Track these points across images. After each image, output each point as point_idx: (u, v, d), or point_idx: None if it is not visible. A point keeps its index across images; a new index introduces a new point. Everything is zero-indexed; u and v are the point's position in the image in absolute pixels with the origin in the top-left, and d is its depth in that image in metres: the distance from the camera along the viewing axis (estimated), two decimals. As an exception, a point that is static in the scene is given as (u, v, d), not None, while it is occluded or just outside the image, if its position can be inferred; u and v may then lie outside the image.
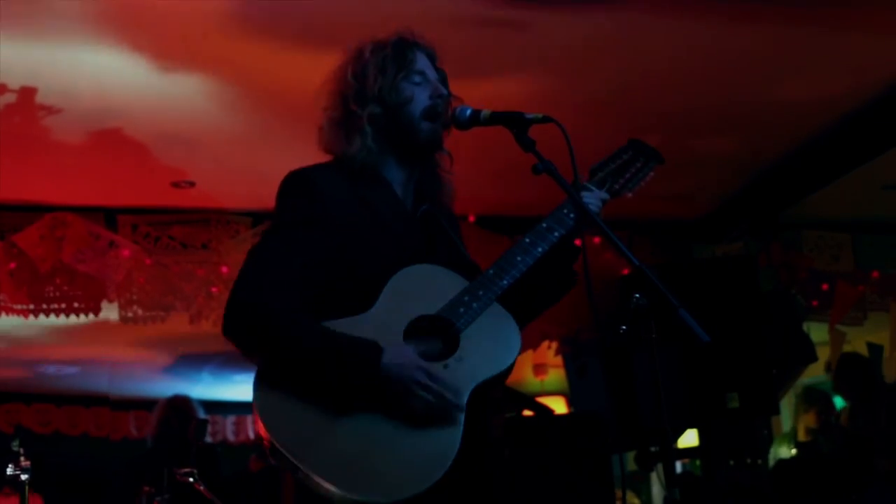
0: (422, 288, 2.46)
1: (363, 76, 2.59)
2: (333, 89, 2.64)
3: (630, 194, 2.79)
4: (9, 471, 4.11)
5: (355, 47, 2.65)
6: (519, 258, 2.50)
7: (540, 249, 2.52)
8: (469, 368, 2.36)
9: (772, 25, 4.60)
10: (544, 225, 2.56)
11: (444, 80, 2.68)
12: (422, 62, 2.64)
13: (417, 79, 2.60)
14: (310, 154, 2.61)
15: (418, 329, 2.40)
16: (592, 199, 2.66)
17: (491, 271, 2.48)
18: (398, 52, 2.61)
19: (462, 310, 2.41)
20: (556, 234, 2.55)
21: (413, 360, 2.30)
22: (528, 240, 2.54)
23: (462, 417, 2.29)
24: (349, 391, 2.27)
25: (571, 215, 2.58)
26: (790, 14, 4.50)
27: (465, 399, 2.31)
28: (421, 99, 2.58)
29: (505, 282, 2.46)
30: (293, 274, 2.38)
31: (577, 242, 2.64)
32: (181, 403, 6.14)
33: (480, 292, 2.44)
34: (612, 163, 2.79)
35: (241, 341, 2.38)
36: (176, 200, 6.12)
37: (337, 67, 2.66)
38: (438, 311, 2.42)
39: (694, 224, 7.07)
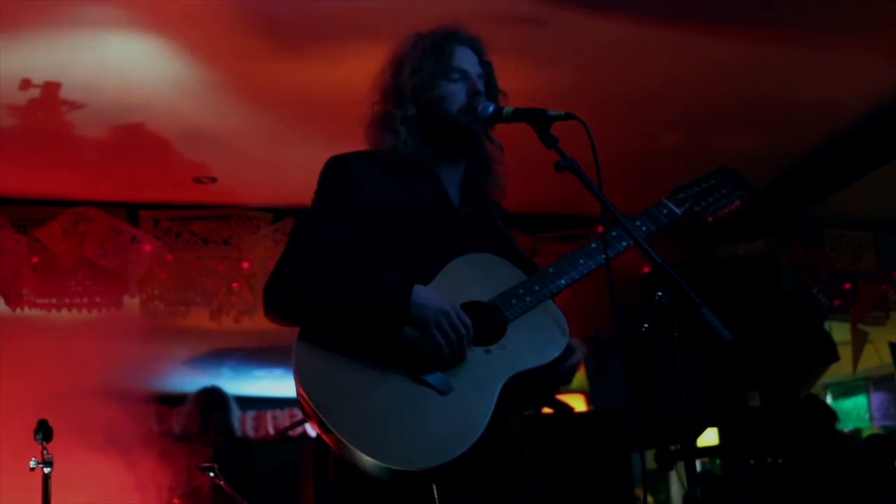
0: (478, 275, 2.51)
1: (399, 74, 2.62)
2: (378, 86, 2.67)
3: (711, 219, 2.83)
4: (31, 464, 4.13)
5: (400, 42, 2.68)
6: (582, 261, 2.56)
7: (603, 256, 2.55)
8: (510, 357, 2.41)
9: (793, 26, 4.58)
10: (614, 234, 2.59)
11: (489, 74, 2.70)
12: (462, 57, 2.64)
13: (455, 76, 2.62)
14: (331, 151, 2.62)
15: (468, 313, 2.41)
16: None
17: (551, 269, 2.54)
18: (436, 48, 2.63)
19: (514, 301, 2.46)
20: (625, 243, 2.57)
21: (441, 302, 2.34)
22: (594, 245, 2.58)
23: (494, 400, 2.32)
24: (377, 325, 2.31)
25: (644, 227, 2.63)
26: (811, 18, 4.49)
27: (500, 384, 2.35)
28: (458, 97, 2.60)
29: (563, 281, 2.52)
30: (328, 255, 2.41)
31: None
32: (212, 396, 6.16)
33: (536, 287, 2.50)
34: (696, 186, 2.82)
35: (282, 312, 2.43)
36: (197, 196, 6.14)
37: (385, 62, 2.68)
38: (491, 300, 2.47)
39: (716, 223, 7.03)
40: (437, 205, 2.59)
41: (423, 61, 2.61)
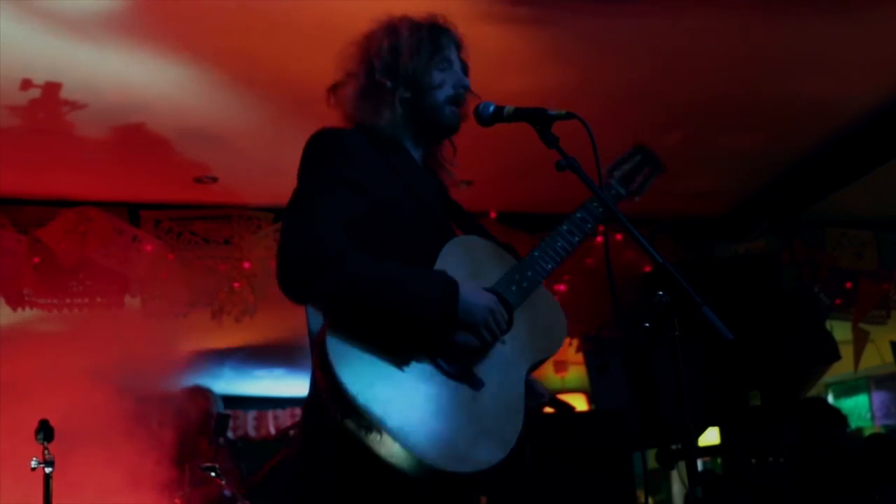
0: (474, 260, 2.52)
1: (397, 52, 2.61)
2: (361, 56, 2.66)
3: (639, 199, 2.89)
4: (33, 464, 4.13)
5: (389, 20, 2.68)
6: (559, 244, 2.59)
7: (577, 239, 2.61)
8: (525, 347, 2.44)
9: (795, 20, 4.57)
10: (578, 215, 2.65)
11: (466, 70, 2.72)
12: (451, 50, 2.68)
13: (444, 65, 2.64)
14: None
15: None
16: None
17: (536, 253, 2.56)
18: (433, 36, 2.65)
19: (514, 287, 2.49)
20: (589, 225, 2.64)
21: (486, 300, 2.35)
22: (565, 227, 2.63)
23: (523, 392, 2.37)
24: (424, 321, 2.27)
25: (600, 209, 2.66)
26: (814, 9, 4.48)
27: (523, 376, 2.40)
28: (446, 87, 2.62)
29: (549, 266, 2.55)
30: (341, 223, 2.34)
31: (600, 239, 2.70)
32: (199, 394, 6.16)
33: (529, 273, 2.52)
34: (624, 164, 2.88)
35: (308, 290, 2.31)
36: (198, 196, 6.14)
37: (367, 35, 2.68)
38: (492, 286, 2.47)
39: (716, 221, 7.04)
40: (422, 188, 2.59)
41: (422, 46, 2.61)
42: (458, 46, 2.71)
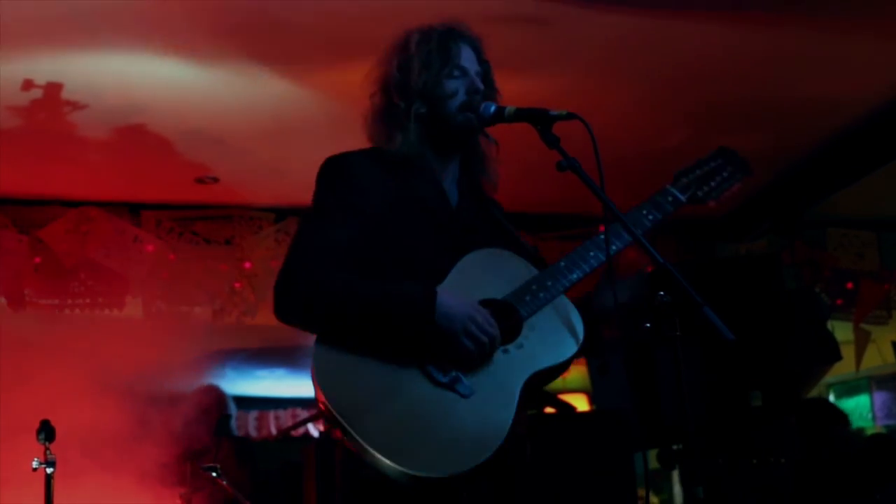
0: (491, 271, 2.51)
1: (407, 69, 2.62)
2: (378, 78, 2.67)
3: (713, 203, 2.84)
4: (34, 464, 4.13)
5: (402, 37, 2.68)
6: (592, 253, 2.56)
7: (613, 248, 2.56)
8: (528, 356, 2.41)
9: (796, 23, 4.58)
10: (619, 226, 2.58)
11: (487, 72, 2.70)
12: (465, 55, 2.66)
13: (456, 73, 2.63)
14: (333, 151, 2.62)
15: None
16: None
17: (562, 263, 2.53)
18: (442, 45, 2.63)
19: (528, 298, 2.46)
20: (629, 237, 2.57)
21: (467, 307, 2.34)
22: (602, 237, 2.57)
23: (515, 401, 2.33)
24: (403, 332, 2.31)
25: (650, 217, 2.64)
26: (815, 10, 4.48)
27: (520, 385, 2.36)
28: (458, 94, 2.61)
29: (575, 275, 2.52)
30: (335, 249, 2.41)
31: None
32: (212, 394, 6.15)
33: (549, 283, 2.49)
34: (698, 169, 2.86)
35: (299, 318, 2.41)
36: (200, 196, 6.15)
37: (383, 54, 2.69)
38: (504, 297, 2.46)
39: (718, 222, 7.03)
40: (437, 205, 2.59)
41: (431, 58, 2.61)
42: (477, 50, 2.70)
